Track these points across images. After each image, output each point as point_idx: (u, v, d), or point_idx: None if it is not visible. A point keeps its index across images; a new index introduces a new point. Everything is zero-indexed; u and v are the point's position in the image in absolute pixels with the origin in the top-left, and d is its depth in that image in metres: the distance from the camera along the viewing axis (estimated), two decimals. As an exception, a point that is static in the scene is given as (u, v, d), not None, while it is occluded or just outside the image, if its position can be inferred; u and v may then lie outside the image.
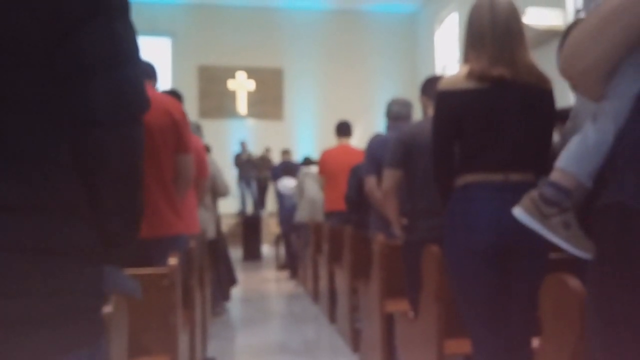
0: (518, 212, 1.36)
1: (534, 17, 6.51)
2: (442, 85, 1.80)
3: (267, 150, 11.34)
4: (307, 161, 7.22)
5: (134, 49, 0.78)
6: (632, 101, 1.09)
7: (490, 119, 1.72)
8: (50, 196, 0.70)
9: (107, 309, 1.28)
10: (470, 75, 1.73)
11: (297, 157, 9.63)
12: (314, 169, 6.23)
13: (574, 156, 1.29)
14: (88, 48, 0.72)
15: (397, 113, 3.50)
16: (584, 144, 1.27)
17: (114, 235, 0.79)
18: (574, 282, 1.35)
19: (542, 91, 1.78)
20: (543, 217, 1.32)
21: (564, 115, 2.03)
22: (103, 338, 0.76)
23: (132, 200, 0.80)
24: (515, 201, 1.70)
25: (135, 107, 0.77)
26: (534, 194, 1.35)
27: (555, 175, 1.32)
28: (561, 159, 1.32)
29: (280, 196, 7.28)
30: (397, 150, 2.55)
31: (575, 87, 1.24)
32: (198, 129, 4.35)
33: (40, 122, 0.70)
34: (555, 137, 1.95)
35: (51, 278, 0.68)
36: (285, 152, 9.35)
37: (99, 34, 0.72)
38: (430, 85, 2.67)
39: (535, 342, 1.72)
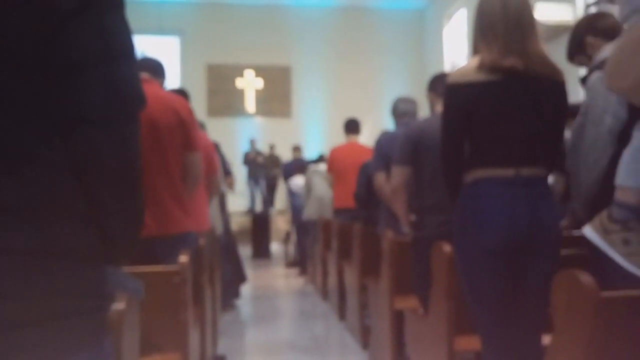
0: (587, 229, 1.39)
1: (544, 12, 6.47)
2: (451, 78, 1.77)
3: (272, 147, 11.32)
4: (321, 158, 7.19)
5: (128, 44, 0.75)
6: None
7: (501, 111, 1.69)
8: (44, 196, 0.68)
9: (120, 306, 1.29)
10: (480, 66, 1.69)
11: (305, 155, 9.60)
12: (322, 166, 6.23)
13: (628, 169, 1.27)
14: (77, 42, 0.69)
15: (403, 110, 3.50)
16: (635, 153, 1.25)
17: (115, 235, 0.77)
18: (586, 279, 1.34)
19: (554, 83, 1.74)
20: (605, 233, 1.35)
21: (574, 110, 2.01)
22: (107, 340, 0.73)
23: (131, 199, 0.78)
24: (526, 196, 1.68)
25: (130, 104, 0.74)
26: (604, 212, 1.37)
27: (617, 194, 1.31)
28: (618, 175, 1.31)
29: (291, 194, 7.27)
30: (405, 146, 2.55)
31: (628, 99, 1.24)
32: (202, 127, 4.35)
33: (31, 120, 0.68)
34: (567, 133, 1.93)
35: (48, 280, 0.66)
36: (296, 149, 9.21)
37: (89, 28, 0.70)
38: (437, 82, 2.65)
39: (546, 339, 1.72)
